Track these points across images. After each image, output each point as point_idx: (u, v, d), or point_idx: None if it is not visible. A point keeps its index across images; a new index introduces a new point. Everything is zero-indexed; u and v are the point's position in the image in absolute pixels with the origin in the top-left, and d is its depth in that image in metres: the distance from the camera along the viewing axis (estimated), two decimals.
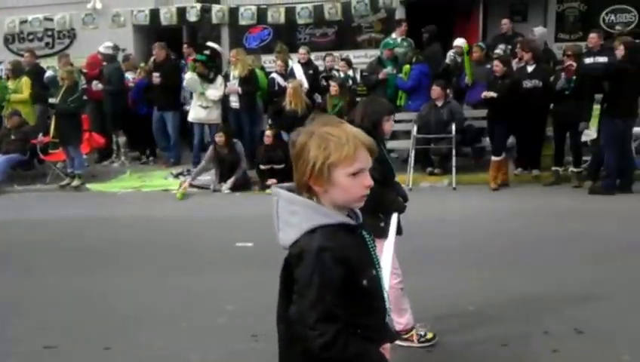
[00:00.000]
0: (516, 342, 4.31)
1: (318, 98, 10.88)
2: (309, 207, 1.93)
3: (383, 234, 3.64)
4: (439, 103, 9.93)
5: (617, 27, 11.65)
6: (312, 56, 11.68)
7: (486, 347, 4.28)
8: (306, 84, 10.78)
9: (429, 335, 4.30)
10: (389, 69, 10.86)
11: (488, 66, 9.92)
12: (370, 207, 3.79)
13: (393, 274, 3.87)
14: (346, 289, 1.90)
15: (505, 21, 11.64)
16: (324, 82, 11.07)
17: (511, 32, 11.51)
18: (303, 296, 1.86)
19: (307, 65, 11.28)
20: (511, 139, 9.55)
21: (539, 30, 11.11)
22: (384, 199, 3.92)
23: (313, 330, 1.85)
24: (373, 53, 12.13)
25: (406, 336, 4.24)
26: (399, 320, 4.16)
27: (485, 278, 5.49)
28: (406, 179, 9.16)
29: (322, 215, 1.91)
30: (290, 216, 1.93)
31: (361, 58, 12.55)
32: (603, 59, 8.99)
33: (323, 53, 12.06)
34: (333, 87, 10.23)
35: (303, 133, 1.94)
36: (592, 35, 9.85)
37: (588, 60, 9.15)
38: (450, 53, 11.05)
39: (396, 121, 5.99)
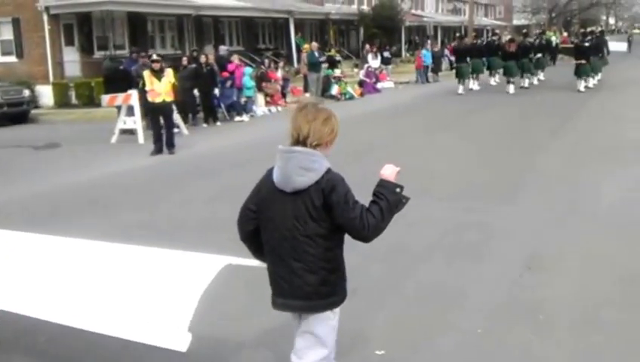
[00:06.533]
0: None
1: None
2: (322, 156, 2.94)
3: None
4: None
5: None
6: None
7: None
8: None
9: None
10: None
11: None
12: None
13: None
14: None
15: None
16: None
17: None
18: (351, 207, 2.89)
19: None
20: None
21: None
22: None
23: (362, 218, 2.89)
24: None
25: None
26: None
27: None
28: None
29: (326, 160, 2.95)
30: (311, 163, 2.90)
31: None
32: None
33: None
34: None
35: (322, 110, 2.99)
36: None
37: None
38: None
39: None
